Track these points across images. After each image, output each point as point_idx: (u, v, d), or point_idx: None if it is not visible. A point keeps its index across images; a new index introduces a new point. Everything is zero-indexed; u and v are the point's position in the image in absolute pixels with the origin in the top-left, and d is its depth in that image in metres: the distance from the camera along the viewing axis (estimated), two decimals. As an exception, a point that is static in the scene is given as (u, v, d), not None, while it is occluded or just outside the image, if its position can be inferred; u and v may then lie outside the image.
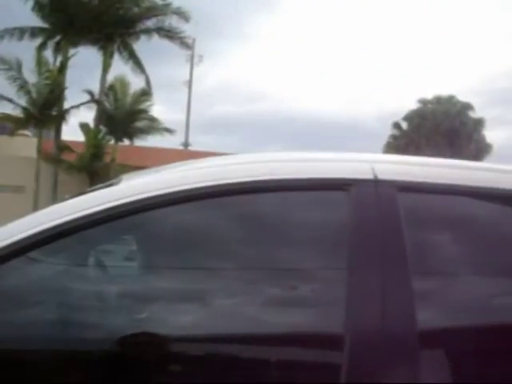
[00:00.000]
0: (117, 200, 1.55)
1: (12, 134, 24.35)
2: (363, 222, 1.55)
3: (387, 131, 37.96)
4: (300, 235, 1.62)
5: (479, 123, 36.22)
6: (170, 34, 25.99)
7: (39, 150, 23.17)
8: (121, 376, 1.49)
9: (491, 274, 1.66)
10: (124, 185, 1.71)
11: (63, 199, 1.72)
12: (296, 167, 1.69)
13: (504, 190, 1.69)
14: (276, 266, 1.59)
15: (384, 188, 1.61)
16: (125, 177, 1.83)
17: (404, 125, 37.90)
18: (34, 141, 24.11)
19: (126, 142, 27.28)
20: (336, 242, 1.59)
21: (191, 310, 1.57)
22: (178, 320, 1.56)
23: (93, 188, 1.86)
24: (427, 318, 1.52)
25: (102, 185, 1.86)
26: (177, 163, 1.87)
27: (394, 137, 37.84)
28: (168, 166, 1.86)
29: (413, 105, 37.54)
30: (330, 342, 1.51)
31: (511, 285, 1.65)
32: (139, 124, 27.14)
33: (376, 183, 1.61)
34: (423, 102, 37.56)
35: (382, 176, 1.63)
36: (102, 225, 1.54)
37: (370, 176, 1.63)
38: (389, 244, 1.53)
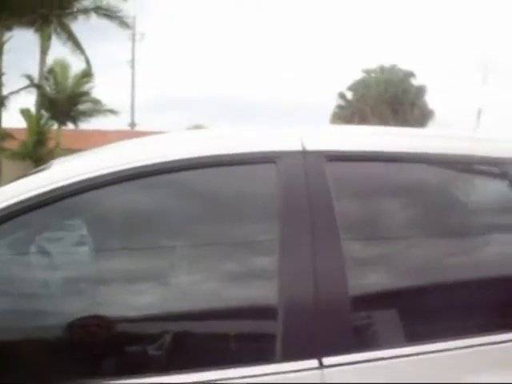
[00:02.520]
0: (48, 185, 1.54)
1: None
2: (292, 193, 1.59)
3: (333, 103, 38.33)
4: (231, 209, 1.65)
5: (421, 90, 36.91)
6: (108, 12, 25.33)
7: (-21, 139, 22.43)
8: (73, 361, 1.51)
9: (420, 235, 1.73)
10: (55, 169, 1.70)
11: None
12: (226, 143, 1.71)
13: (433, 154, 1.75)
14: (208, 242, 1.62)
15: (312, 158, 1.64)
16: (55, 161, 1.82)
17: (349, 95, 38.31)
18: (-26, 130, 23.32)
19: (70, 126, 26.71)
20: (266, 214, 1.62)
21: (141, 290, 1.59)
22: (130, 300, 1.58)
23: (25, 174, 1.84)
24: (359, 283, 1.58)
25: (33, 170, 1.84)
26: (108, 145, 1.86)
27: (340, 107, 38.20)
28: (97, 148, 1.85)
29: (358, 75, 37.97)
30: (265, 311, 1.55)
31: (440, 245, 1.73)
32: (82, 107, 26.58)
33: (304, 154, 1.65)
34: (367, 71, 38.00)
35: (310, 147, 1.67)
36: (36, 210, 1.53)
37: (298, 148, 1.66)
38: (318, 213, 1.57)
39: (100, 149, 1.85)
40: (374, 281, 1.65)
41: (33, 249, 1.73)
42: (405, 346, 1.55)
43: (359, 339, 1.54)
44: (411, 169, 1.78)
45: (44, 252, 1.81)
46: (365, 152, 1.72)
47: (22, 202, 1.51)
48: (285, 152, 1.64)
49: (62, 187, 1.54)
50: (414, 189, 1.77)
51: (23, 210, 1.52)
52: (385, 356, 1.51)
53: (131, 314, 1.57)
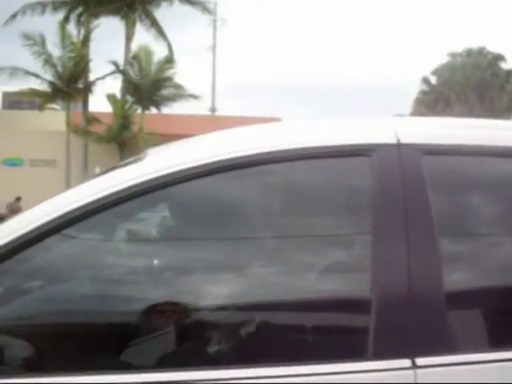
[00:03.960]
0: (144, 175, 1.57)
1: (41, 108, 24.64)
2: (386, 188, 1.55)
3: (416, 88, 37.30)
4: (325, 203, 1.63)
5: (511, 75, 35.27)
6: (190, -1, 25.72)
7: (68, 123, 23.40)
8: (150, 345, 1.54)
9: None
10: (150, 159, 1.73)
11: (93, 173, 1.75)
12: (320, 135, 1.69)
13: None
14: (300, 234, 1.61)
15: (408, 152, 1.60)
16: (150, 151, 1.85)
17: (433, 79, 37.15)
18: (63, 114, 24.35)
19: (153, 110, 27.38)
20: (360, 208, 1.59)
21: (225, 280, 1.60)
22: (210, 290, 1.60)
23: (121, 164, 1.89)
24: (454, 280, 1.52)
25: (129, 160, 1.88)
26: (201, 136, 1.88)
27: (423, 92, 37.14)
28: (190, 139, 1.87)
29: (443, 59, 36.73)
30: (357, 306, 1.52)
31: None
32: (165, 92, 27.12)
33: (399, 147, 1.60)
34: (453, 55, 36.67)
35: (405, 140, 1.62)
36: (132, 200, 1.57)
37: (392, 140, 1.61)
38: (413, 208, 1.52)
39: (193, 139, 1.87)
40: (469, 278, 1.59)
41: (117, 234, 1.77)
42: (502, 350, 1.48)
43: (453, 340, 1.48)
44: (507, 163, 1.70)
45: (127, 237, 1.87)
46: (462, 146, 1.65)
47: (119, 191, 1.54)
48: (379, 144, 1.60)
49: (158, 177, 1.56)
50: None
51: (120, 201, 1.55)
52: (481, 360, 1.45)
53: (215, 302, 1.58)
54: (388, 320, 1.45)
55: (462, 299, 1.54)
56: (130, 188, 1.54)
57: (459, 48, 36.87)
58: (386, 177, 1.56)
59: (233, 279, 1.61)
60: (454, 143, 1.66)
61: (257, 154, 1.59)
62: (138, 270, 1.69)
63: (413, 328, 1.45)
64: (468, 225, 1.63)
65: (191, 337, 1.55)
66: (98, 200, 1.53)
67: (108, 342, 1.56)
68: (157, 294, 1.60)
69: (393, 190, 1.55)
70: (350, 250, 1.60)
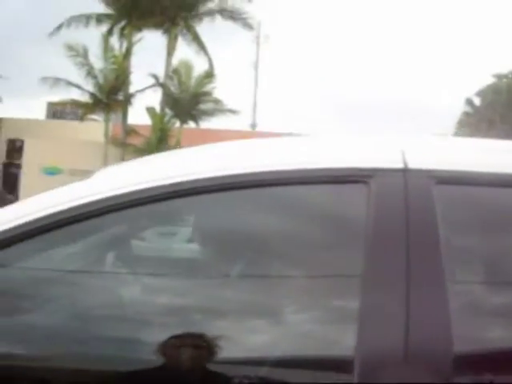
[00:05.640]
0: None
1: (81, 119, 24.94)
2: (386, 223, 1.26)
3: (460, 109, 36.48)
4: (308, 239, 1.34)
5: (559, 97, 34.15)
6: (233, 14, 25.75)
7: (106, 135, 23.58)
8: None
9: None
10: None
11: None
12: (308, 154, 1.40)
13: None
14: (276, 274, 1.33)
15: (416, 179, 1.30)
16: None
17: (477, 101, 36.29)
18: (103, 125, 24.59)
19: (192, 124, 27.41)
20: (351, 246, 1.30)
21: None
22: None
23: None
24: (468, 336, 1.22)
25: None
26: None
27: (466, 114, 36.30)
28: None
29: (487, 80, 35.87)
30: (337, 365, 1.23)
31: None
32: (204, 106, 27.16)
33: (406, 173, 1.31)
34: (498, 76, 35.78)
35: (414, 164, 1.33)
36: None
37: (398, 164, 1.33)
38: (418, 249, 1.23)
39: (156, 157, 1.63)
40: (487, 335, 1.28)
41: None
42: None
43: None
44: None
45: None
46: (486, 174, 1.35)
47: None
48: (380, 169, 1.31)
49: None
50: None
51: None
52: None
53: None
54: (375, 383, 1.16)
55: (476, 360, 1.24)
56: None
57: (504, 69, 35.96)
58: (386, 209, 1.27)
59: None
60: (475, 171, 1.35)
61: (215, 178, 1.30)
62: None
63: None
64: (488, 271, 1.33)
65: None
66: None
67: None
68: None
69: (394, 227, 1.25)
70: (334, 298, 1.31)
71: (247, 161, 1.37)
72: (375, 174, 1.30)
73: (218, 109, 27.32)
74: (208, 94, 27.04)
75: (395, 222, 1.25)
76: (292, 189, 1.34)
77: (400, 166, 1.32)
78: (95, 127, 25.37)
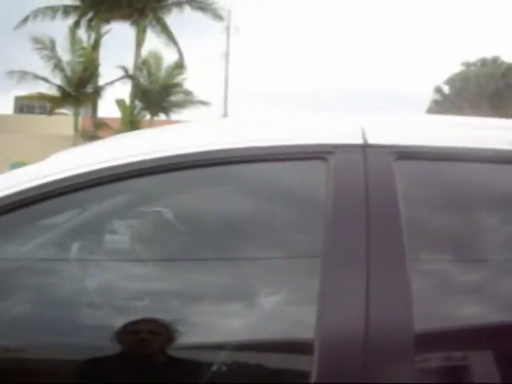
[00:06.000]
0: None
1: (50, 113, 24.57)
2: (345, 200, 1.23)
3: (429, 97, 36.88)
4: (266, 218, 1.31)
5: (526, 84, 34.73)
6: (202, 5, 25.59)
7: (76, 128, 23.29)
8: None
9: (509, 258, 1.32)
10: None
11: None
12: (266, 132, 1.36)
13: None
14: (234, 256, 1.30)
15: (375, 155, 1.28)
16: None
17: (446, 89, 36.70)
18: (72, 119, 24.28)
19: (162, 116, 27.22)
20: (310, 224, 1.27)
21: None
22: None
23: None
24: (429, 316, 1.20)
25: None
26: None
27: (435, 102, 36.69)
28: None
29: (456, 68, 36.34)
30: (298, 347, 1.20)
31: None
32: (174, 98, 26.98)
33: (365, 149, 1.28)
34: (466, 64, 36.23)
35: (373, 140, 1.30)
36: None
37: (357, 140, 1.30)
38: (379, 226, 1.21)
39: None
40: (449, 313, 1.26)
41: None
42: None
43: None
44: (508, 172, 1.37)
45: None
46: (448, 148, 1.32)
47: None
48: (339, 145, 1.28)
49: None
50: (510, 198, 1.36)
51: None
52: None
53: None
54: (335, 365, 1.13)
55: (437, 340, 1.22)
56: None
57: (473, 57, 36.49)
58: (345, 186, 1.23)
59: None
60: (436, 145, 1.33)
61: (175, 156, 1.27)
62: None
63: (368, 375, 1.13)
64: (450, 249, 1.31)
65: None
66: None
67: None
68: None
69: (353, 203, 1.22)
70: (294, 277, 1.28)
71: (197, 140, 1.32)
72: (335, 151, 1.26)
73: (189, 100, 27.18)
74: (178, 85, 26.87)
75: (355, 199, 1.22)
76: (249, 167, 1.30)
77: (359, 141, 1.29)
78: (65, 121, 25.04)
